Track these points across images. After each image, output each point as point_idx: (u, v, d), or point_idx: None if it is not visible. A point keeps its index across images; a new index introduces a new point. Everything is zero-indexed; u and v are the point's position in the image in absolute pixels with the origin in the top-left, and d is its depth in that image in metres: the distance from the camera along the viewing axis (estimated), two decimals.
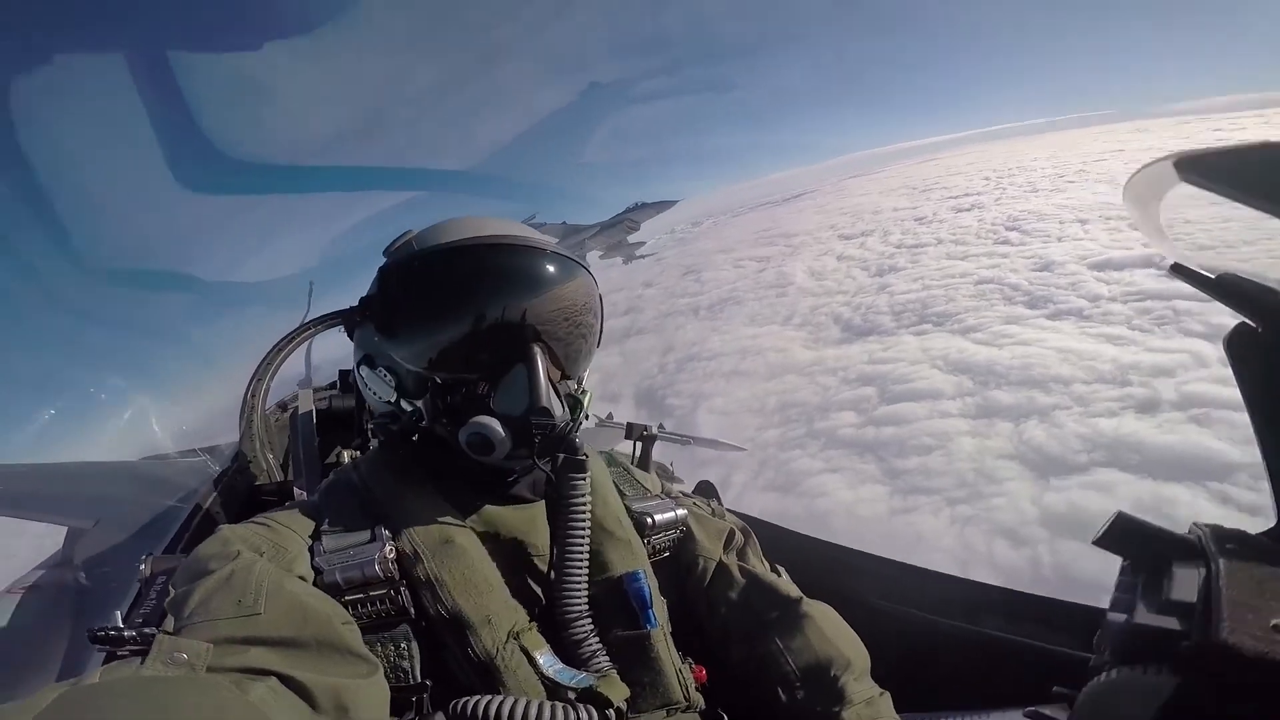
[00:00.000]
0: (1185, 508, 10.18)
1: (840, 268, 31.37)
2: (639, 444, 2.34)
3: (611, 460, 1.49)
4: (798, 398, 16.82)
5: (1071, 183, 44.05)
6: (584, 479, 1.13)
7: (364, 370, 1.22)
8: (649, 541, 1.28)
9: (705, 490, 1.90)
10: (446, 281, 1.13)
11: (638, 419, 2.53)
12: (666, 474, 2.36)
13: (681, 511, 1.36)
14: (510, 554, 1.13)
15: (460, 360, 1.13)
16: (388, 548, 1.00)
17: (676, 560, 1.36)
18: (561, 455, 1.14)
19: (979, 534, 10.35)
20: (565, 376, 1.21)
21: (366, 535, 1.03)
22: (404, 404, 1.17)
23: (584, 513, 1.12)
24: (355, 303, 1.24)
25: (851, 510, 11.51)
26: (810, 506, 11.71)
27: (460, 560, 1.03)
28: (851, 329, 22.21)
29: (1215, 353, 13.51)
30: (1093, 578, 9.60)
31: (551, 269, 1.17)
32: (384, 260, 1.21)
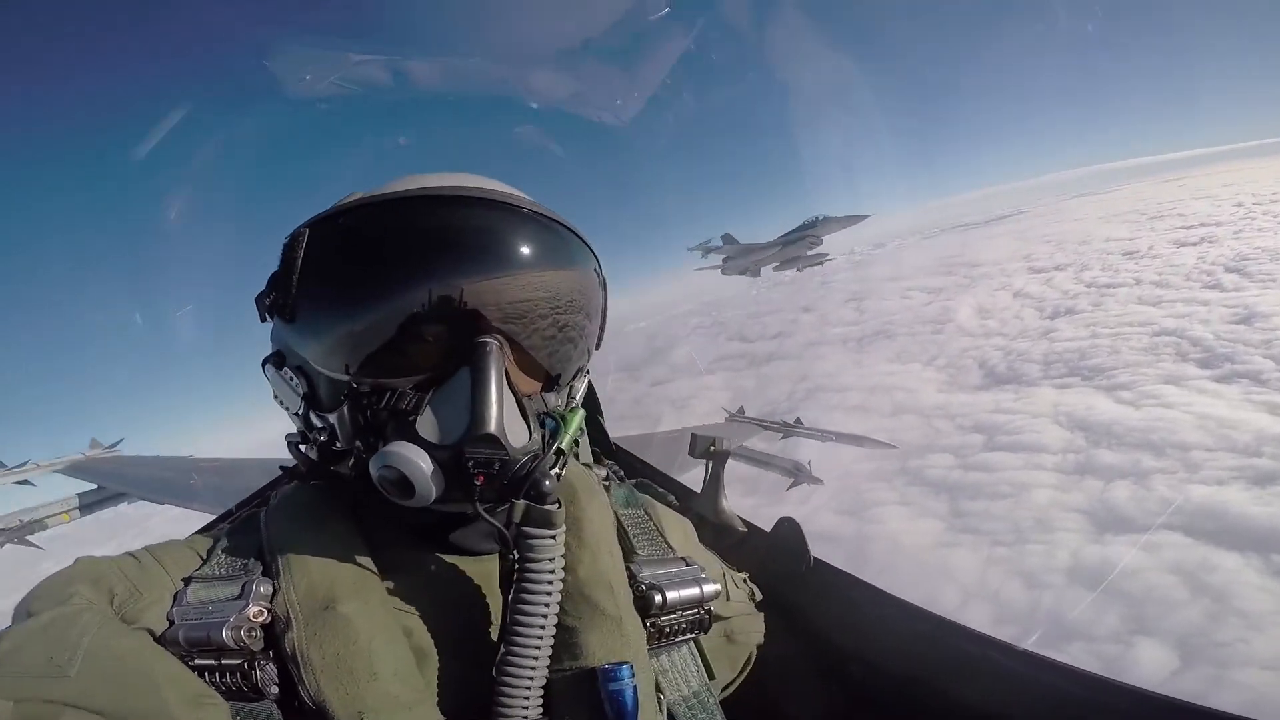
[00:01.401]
0: (1223, 573, 11.20)
1: (1012, 306, 31.23)
2: (709, 465, 1.80)
3: (632, 498, 1.13)
4: (906, 437, 18.64)
5: None
6: (548, 539, 0.82)
7: (269, 371, 0.91)
8: (654, 623, 0.95)
9: (787, 528, 1.43)
10: (367, 247, 0.83)
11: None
12: (728, 518, 1.71)
13: (712, 588, 1.00)
14: (450, 624, 0.86)
15: (381, 359, 0.82)
16: (254, 609, 0.78)
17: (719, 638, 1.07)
18: (521, 502, 0.82)
19: (999, 573, 12.10)
20: (544, 387, 0.91)
21: (237, 588, 0.81)
22: (314, 418, 0.87)
23: (544, 586, 0.82)
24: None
25: (896, 538, 13.66)
26: (862, 530, 14.04)
27: (337, 635, 0.77)
28: (993, 376, 23.05)
29: None
30: (1071, 626, 10.92)
31: (526, 236, 0.86)
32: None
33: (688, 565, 1.04)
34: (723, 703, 1.06)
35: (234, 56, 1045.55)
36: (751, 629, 1.16)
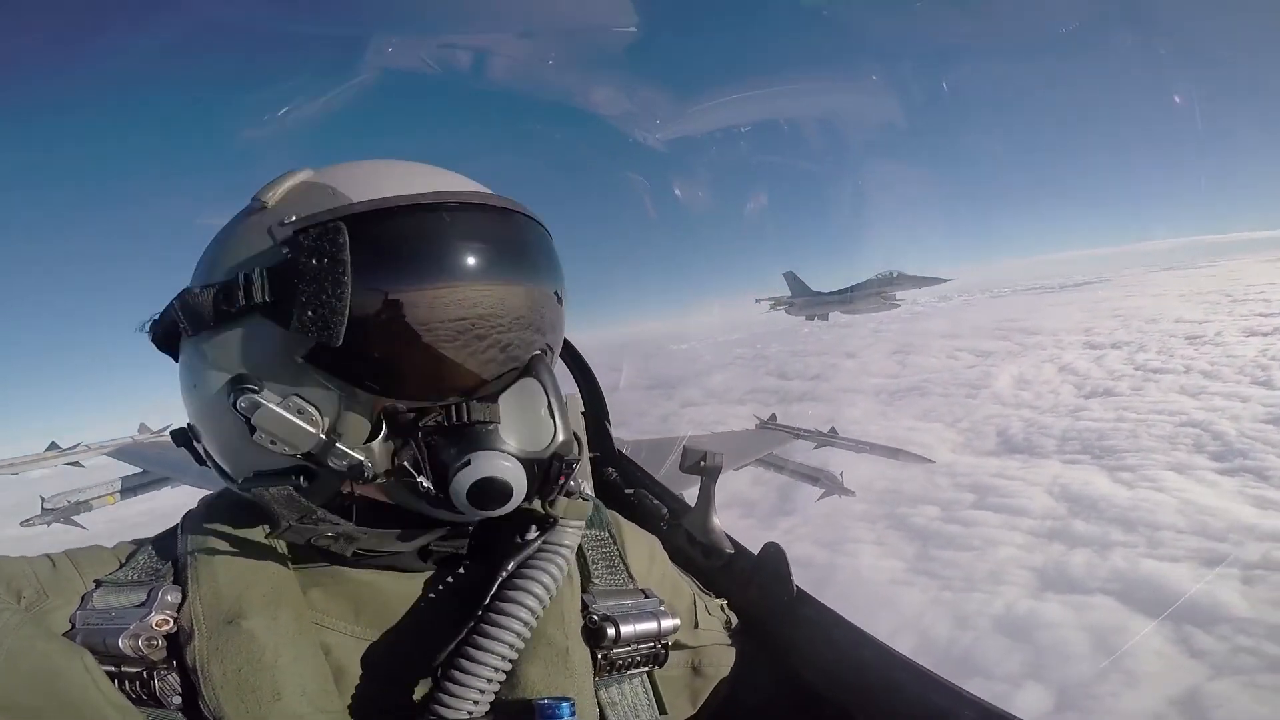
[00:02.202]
0: (1131, 636, 12.94)
1: (1053, 380, 32.23)
2: (702, 480, 1.67)
3: (596, 518, 1.09)
4: (905, 489, 20.53)
5: None
6: (569, 540, 0.92)
7: (244, 402, 0.77)
8: (605, 656, 0.94)
9: (772, 553, 1.39)
10: (438, 248, 0.80)
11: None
12: (717, 538, 1.57)
13: (670, 623, 0.99)
14: (377, 643, 0.86)
15: (448, 374, 0.81)
16: (157, 617, 0.76)
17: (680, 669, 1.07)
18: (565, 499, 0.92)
19: (937, 612, 14.04)
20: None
21: (144, 594, 0.79)
22: (342, 449, 0.79)
23: (538, 591, 0.85)
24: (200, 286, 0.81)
25: (859, 571, 15.76)
26: (832, 560, 16.12)
27: (240, 650, 0.75)
28: (1008, 444, 24.48)
29: None
30: (975, 665, 12.63)
31: (554, 255, 0.92)
32: (265, 212, 0.82)
33: (646, 597, 1.02)
34: None
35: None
36: (721, 661, 1.12)
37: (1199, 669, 12.13)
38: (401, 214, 0.79)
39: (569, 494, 0.93)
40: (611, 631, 0.94)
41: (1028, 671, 12.37)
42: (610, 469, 2.20)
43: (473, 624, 0.83)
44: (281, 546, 0.87)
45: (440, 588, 0.92)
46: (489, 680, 0.81)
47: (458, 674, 0.80)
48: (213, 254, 0.85)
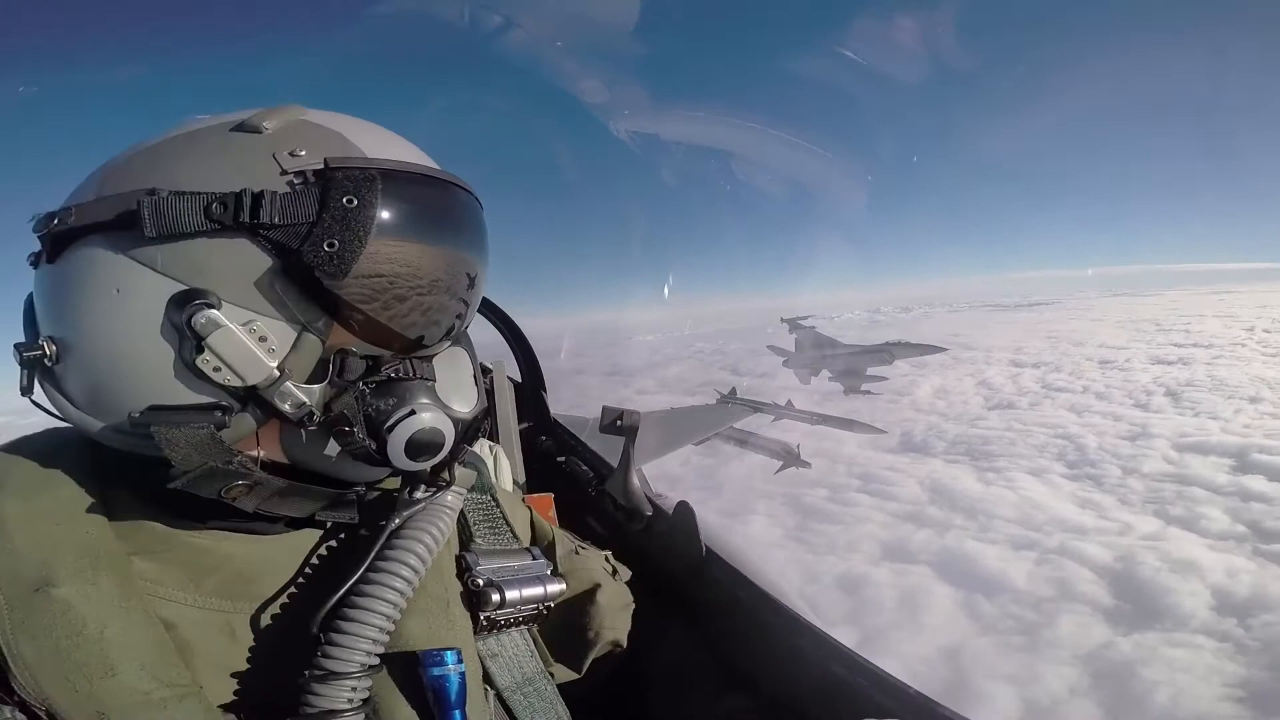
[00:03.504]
0: (933, 597, 16.95)
1: (969, 392, 36.31)
2: (625, 440, 1.69)
3: (477, 483, 1.05)
4: (809, 474, 24.45)
5: None
6: (452, 502, 0.92)
7: (202, 318, 0.71)
8: (489, 617, 0.94)
9: (682, 513, 1.43)
10: (445, 215, 0.86)
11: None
12: (637, 500, 1.62)
13: (555, 587, 0.99)
14: (229, 614, 0.80)
15: (420, 329, 0.82)
16: None
17: (561, 624, 1.06)
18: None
19: (792, 569, 17.93)
20: None
21: None
22: (290, 388, 0.75)
23: (427, 542, 0.84)
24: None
25: (745, 535, 19.69)
26: (728, 525, 20.11)
27: (56, 623, 0.67)
28: (909, 445, 28.47)
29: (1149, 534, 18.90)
30: (805, 610, 16.37)
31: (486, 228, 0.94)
32: (262, 138, 0.78)
33: (534, 558, 1.03)
34: (591, 698, 1.06)
35: None
36: (619, 624, 1.12)
37: (971, 628, 15.91)
38: (416, 180, 0.82)
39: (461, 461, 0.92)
40: (496, 596, 0.92)
41: (846, 618, 16.01)
42: (544, 437, 2.24)
43: (355, 579, 0.78)
44: (104, 506, 0.76)
45: (308, 554, 0.87)
46: (375, 639, 0.76)
47: (345, 626, 0.75)
48: (188, 159, 0.77)
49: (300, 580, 0.86)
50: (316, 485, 0.83)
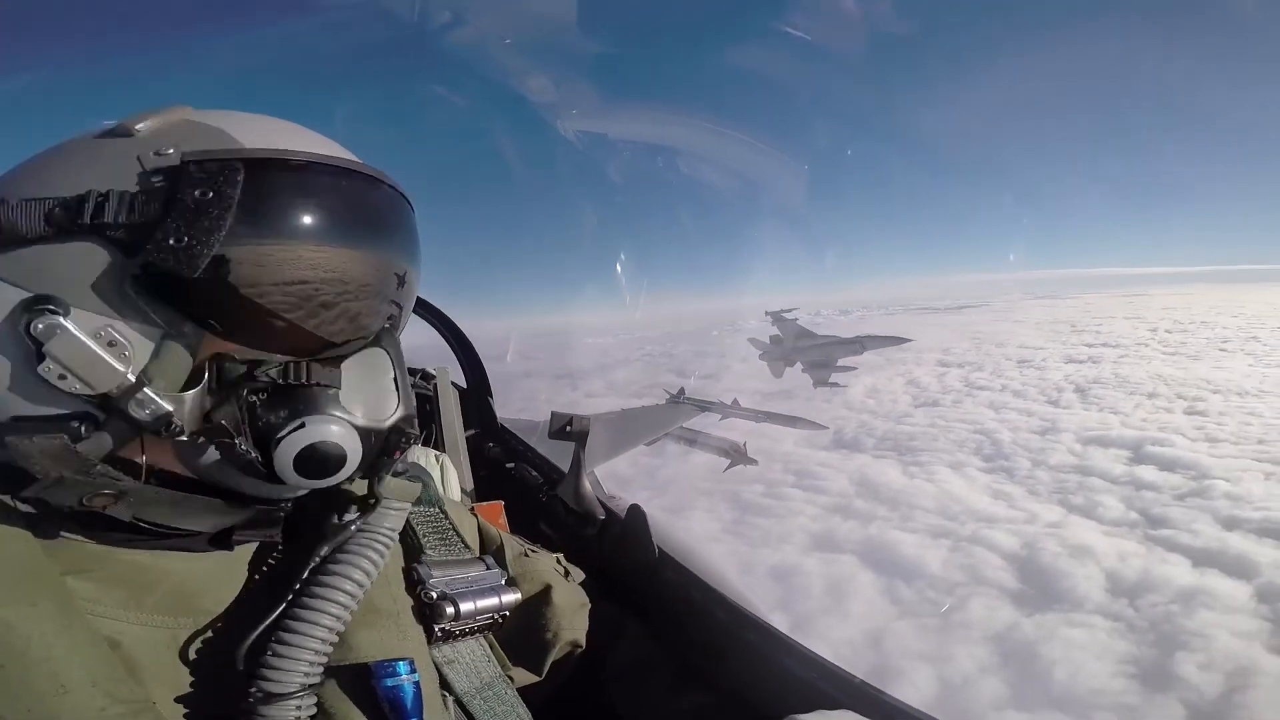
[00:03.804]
0: (856, 583, 17.87)
1: (898, 391, 38.02)
2: (576, 445, 1.72)
3: (423, 495, 1.05)
4: (748, 471, 25.26)
5: (1224, 350, 44.91)
6: (391, 523, 0.89)
7: (41, 324, 0.67)
8: (444, 629, 0.93)
9: (635, 516, 1.46)
10: (338, 206, 0.78)
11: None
12: (589, 505, 1.63)
13: (511, 597, 1.00)
14: (174, 632, 0.77)
15: (304, 332, 0.76)
16: None
17: (517, 627, 1.06)
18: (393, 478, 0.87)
19: (729, 560, 18.59)
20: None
21: None
22: (148, 395, 0.69)
23: (355, 577, 0.81)
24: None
25: (684, 525, 20.42)
26: (669, 521, 20.76)
27: (0, 644, 0.64)
28: (841, 442, 29.62)
29: (1048, 521, 20.20)
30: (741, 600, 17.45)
31: (415, 228, 0.90)
32: (133, 140, 0.74)
33: (488, 568, 1.02)
34: (553, 699, 1.05)
35: None
36: (575, 625, 1.13)
37: (891, 611, 16.76)
38: (299, 169, 0.75)
39: (397, 473, 0.87)
40: (450, 609, 0.91)
41: (778, 605, 16.55)
42: (491, 444, 2.19)
43: (280, 611, 0.76)
44: (28, 525, 0.71)
45: (249, 569, 0.84)
46: (313, 660, 0.75)
47: (281, 650, 0.74)
48: (46, 168, 0.74)
49: (246, 595, 0.83)
50: (211, 498, 0.77)
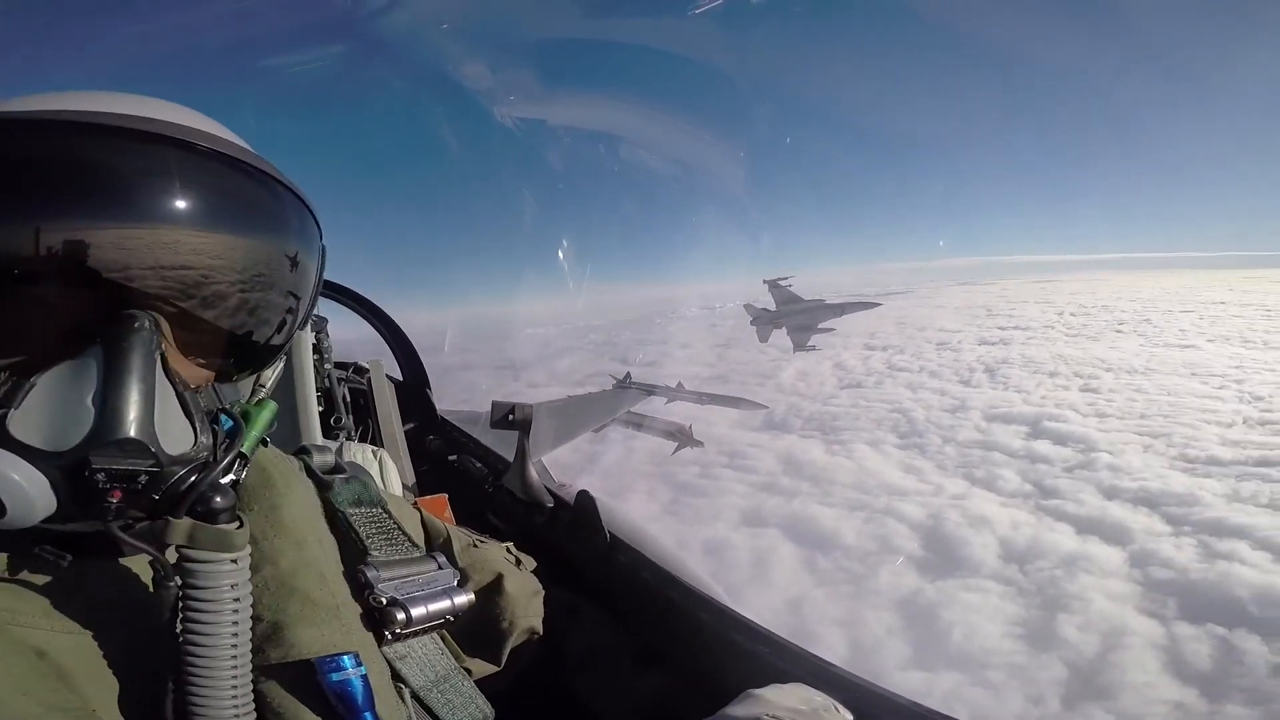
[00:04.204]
0: (777, 556, 18.92)
1: (826, 374, 39.57)
2: (520, 436, 1.67)
3: (365, 495, 0.98)
4: (683, 454, 26.17)
5: (1120, 332, 48.13)
6: (225, 564, 0.66)
7: None
8: (395, 633, 0.87)
9: (584, 502, 1.44)
10: (39, 181, 0.62)
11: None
12: (536, 493, 1.58)
13: (464, 599, 0.94)
14: (98, 639, 0.69)
15: None
16: None
17: (471, 619, 0.99)
18: (184, 522, 0.66)
19: (668, 536, 19.58)
20: (220, 377, 0.75)
21: None
22: None
23: (222, 619, 0.66)
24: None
25: (623, 505, 21.17)
26: (610, 505, 21.49)
27: None
28: (771, 424, 30.71)
29: (955, 493, 21.56)
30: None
31: (213, 184, 0.69)
32: None
33: (440, 567, 0.97)
34: (514, 688, 1.03)
35: None
36: (531, 612, 1.11)
37: (810, 581, 17.83)
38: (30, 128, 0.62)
39: (204, 515, 0.66)
40: (401, 615, 0.86)
41: (709, 579, 17.93)
42: (432, 437, 2.14)
43: (181, 634, 0.66)
44: None
45: (123, 583, 0.74)
46: (221, 664, 0.66)
47: (194, 688, 0.65)
48: None
49: (139, 605, 0.73)
50: None
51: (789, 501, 22.09)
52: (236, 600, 0.68)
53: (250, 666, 0.69)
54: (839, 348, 47.11)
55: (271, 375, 0.87)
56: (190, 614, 0.66)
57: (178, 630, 0.67)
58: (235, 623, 0.68)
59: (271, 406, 0.79)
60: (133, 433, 0.61)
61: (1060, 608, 15.73)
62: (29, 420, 0.61)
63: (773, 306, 33.52)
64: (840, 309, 33.70)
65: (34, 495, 0.60)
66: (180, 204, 0.66)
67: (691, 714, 0.83)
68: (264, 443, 0.80)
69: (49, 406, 0.61)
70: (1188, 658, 13.73)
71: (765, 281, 34.21)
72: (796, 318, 32.98)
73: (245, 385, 0.82)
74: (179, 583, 0.66)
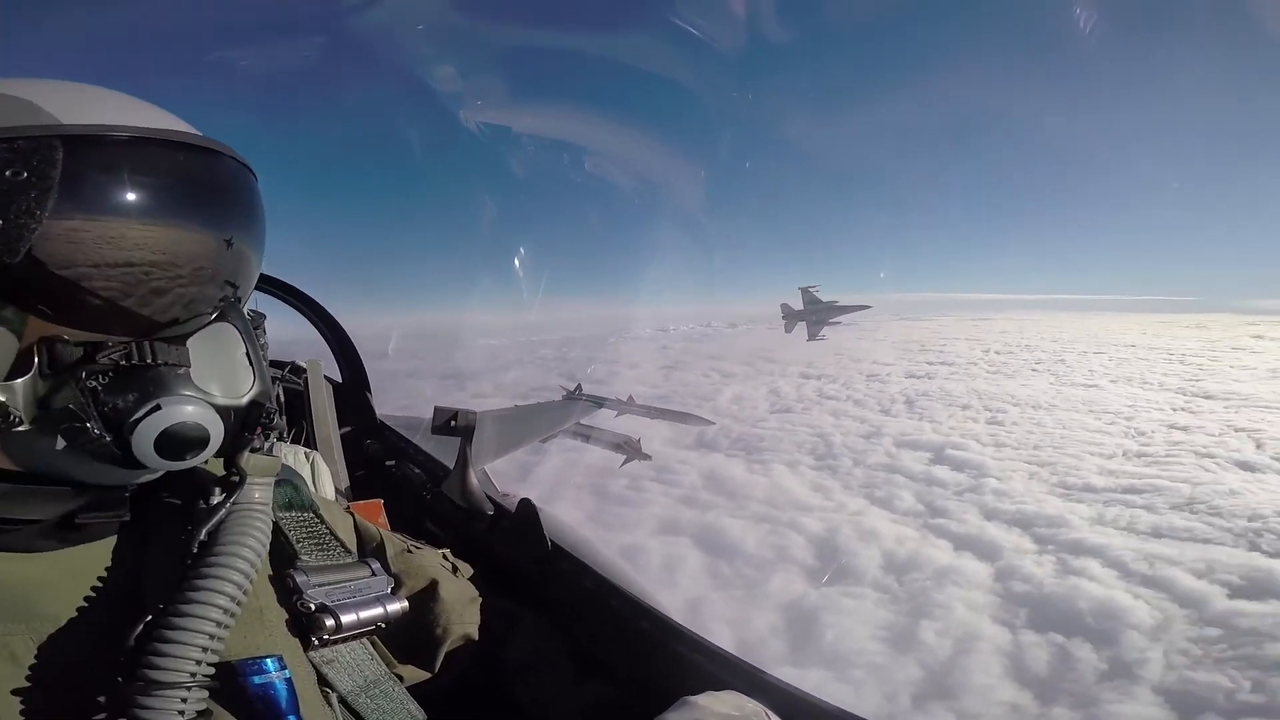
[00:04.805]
0: (686, 563, 20.35)
1: (759, 398, 41.53)
2: (462, 442, 1.66)
3: (296, 499, 0.99)
4: (611, 468, 27.10)
5: (1035, 371, 51.00)
6: (261, 495, 0.83)
7: None
8: (323, 639, 0.86)
9: (525, 510, 1.44)
10: (163, 182, 0.72)
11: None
12: (477, 501, 1.56)
13: (397, 606, 0.93)
14: (18, 637, 0.68)
15: (140, 312, 0.72)
16: None
17: (405, 625, 0.98)
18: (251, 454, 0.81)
19: (628, 538, 20.68)
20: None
21: None
22: None
23: (253, 545, 0.76)
24: None
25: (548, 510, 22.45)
26: (547, 509, 22.76)
27: None
28: (702, 443, 32.24)
29: (852, 511, 23.23)
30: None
31: (258, 201, 0.83)
32: None
33: (373, 573, 0.96)
34: (451, 694, 1.03)
35: None
36: (466, 619, 1.11)
37: (710, 584, 19.10)
38: (123, 145, 0.69)
39: (254, 449, 0.82)
40: (331, 622, 0.85)
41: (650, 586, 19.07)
42: (370, 440, 2.08)
43: (182, 589, 0.70)
44: None
45: (100, 567, 0.76)
46: (206, 647, 0.68)
47: (171, 635, 0.66)
48: None
49: (91, 596, 0.74)
50: (56, 486, 0.72)
51: (704, 514, 23.54)
52: (268, 516, 0.83)
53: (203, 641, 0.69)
54: (777, 375, 49.29)
55: None
56: (235, 525, 0.78)
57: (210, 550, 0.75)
58: (264, 533, 0.80)
59: None
60: (268, 386, 0.79)
61: (925, 615, 16.95)
62: (207, 376, 0.74)
63: (799, 307, 41.33)
64: (845, 310, 41.29)
65: (218, 437, 0.74)
66: (258, 217, 0.83)
67: None
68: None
69: (218, 364, 0.75)
70: (1027, 663, 14.82)
71: (800, 288, 42.34)
72: (820, 314, 40.87)
73: None
74: (228, 497, 0.80)
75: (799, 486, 26.65)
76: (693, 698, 0.84)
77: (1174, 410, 37.48)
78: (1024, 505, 23.97)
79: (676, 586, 18.94)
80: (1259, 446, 29.34)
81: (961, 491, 25.81)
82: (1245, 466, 26.86)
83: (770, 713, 0.85)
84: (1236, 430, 32.28)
